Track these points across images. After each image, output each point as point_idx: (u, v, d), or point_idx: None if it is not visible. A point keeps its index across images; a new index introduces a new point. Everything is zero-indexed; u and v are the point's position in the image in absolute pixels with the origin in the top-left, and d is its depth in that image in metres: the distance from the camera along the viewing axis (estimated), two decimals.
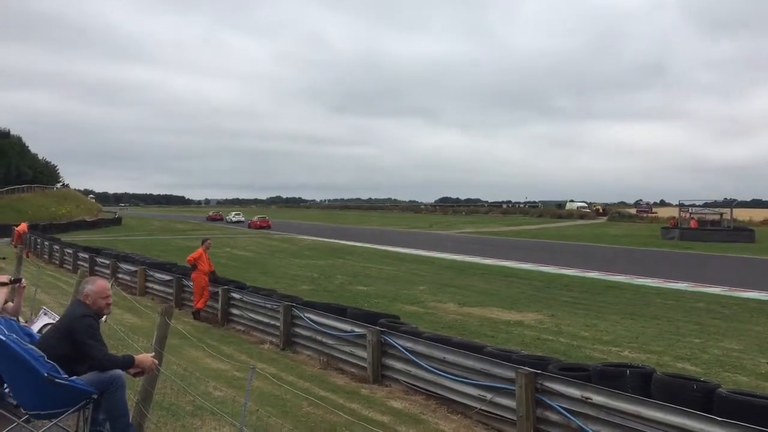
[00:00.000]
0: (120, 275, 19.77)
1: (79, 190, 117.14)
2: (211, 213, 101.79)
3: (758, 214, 72.59)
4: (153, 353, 5.05)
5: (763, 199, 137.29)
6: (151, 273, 18.09)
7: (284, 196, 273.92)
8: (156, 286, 17.71)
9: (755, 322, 14.94)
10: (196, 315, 14.38)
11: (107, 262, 21.31)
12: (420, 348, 8.46)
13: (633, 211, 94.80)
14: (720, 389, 5.82)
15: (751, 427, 4.97)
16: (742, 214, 63.97)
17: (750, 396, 5.75)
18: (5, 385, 4.76)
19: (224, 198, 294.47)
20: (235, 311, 13.62)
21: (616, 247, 43.24)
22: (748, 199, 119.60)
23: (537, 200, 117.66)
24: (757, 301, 18.32)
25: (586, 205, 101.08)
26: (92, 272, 20.66)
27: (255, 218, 72.04)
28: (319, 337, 10.57)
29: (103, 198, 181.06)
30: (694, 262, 32.41)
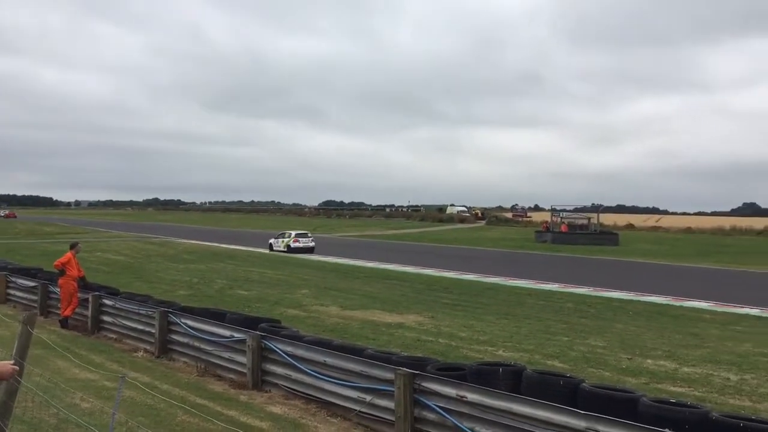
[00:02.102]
0: None
1: None
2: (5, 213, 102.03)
3: (622, 219, 78.06)
4: (12, 361, 4.73)
5: (627, 204, 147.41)
6: (14, 279, 16.92)
7: (162, 198, 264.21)
8: (19, 293, 16.58)
9: (618, 320, 15.97)
10: (64, 323, 13.60)
11: None
12: (300, 352, 8.42)
13: (509, 215, 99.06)
14: (584, 384, 6.19)
15: (610, 419, 5.30)
16: (608, 219, 68.41)
17: (611, 390, 6.16)
18: None
19: (96, 199, 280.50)
20: (106, 318, 12.99)
21: (494, 250, 44.95)
22: (614, 205, 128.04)
23: (419, 204, 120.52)
24: (620, 300, 19.62)
25: (465, 209, 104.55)
26: None
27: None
28: (197, 344, 10.27)
29: None
30: (564, 264, 34.26)
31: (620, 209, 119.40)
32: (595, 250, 43.35)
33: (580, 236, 52.10)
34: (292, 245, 40.49)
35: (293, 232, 42.96)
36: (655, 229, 76.25)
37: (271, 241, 42.75)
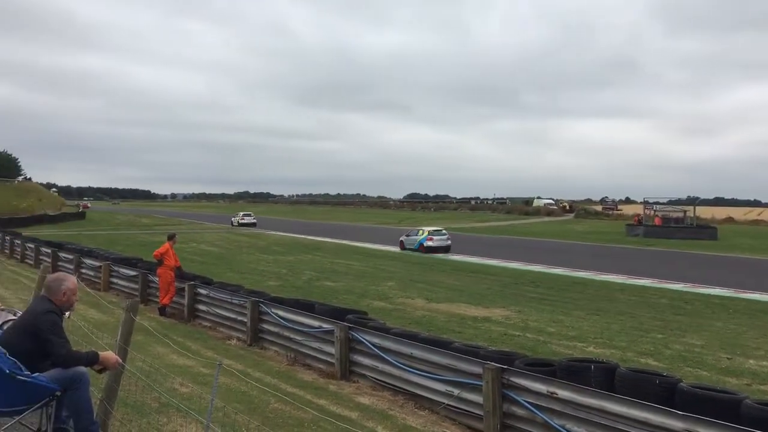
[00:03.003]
0: (84, 271, 19.43)
1: (41, 184, 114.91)
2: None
3: (720, 212, 74.36)
4: (117, 350, 4.99)
5: (726, 197, 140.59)
6: (116, 268, 17.82)
7: (252, 191, 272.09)
8: (121, 282, 17.45)
9: (716, 318, 15.28)
10: (162, 311, 14.21)
11: (70, 257, 20.93)
12: (388, 344, 8.47)
13: (599, 208, 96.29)
14: (681, 384, 5.94)
15: (711, 421, 5.08)
16: (705, 212, 65.37)
17: (710, 390, 5.88)
18: None
19: (191, 192, 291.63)
20: (201, 307, 13.49)
21: (583, 243, 43.85)
22: (711, 197, 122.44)
23: (505, 197, 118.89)
24: (719, 297, 18.74)
25: (553, 202, 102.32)
26: (54, 267, 20.28)
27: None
28: (286, 333, 10.52)
29: (66, 192, 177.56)
30: (658, 258, 33.01)
31: (718, 202, 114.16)
32: (692, 245, 41.53)
33: (675, 230, 49.98)
34: (426, 244, 35.95)
35: (426, 229, 38.47)
36: (756, 222, 72.09)
37: (402, 239, 38.68)
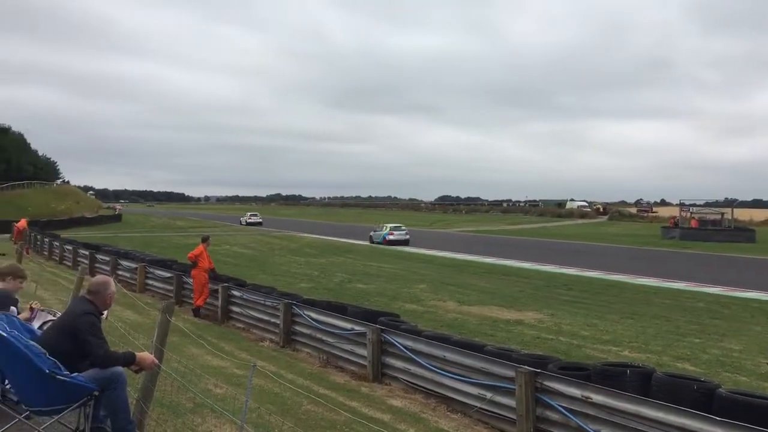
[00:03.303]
0: (120, 272, 19.76)
1: (79, 187, 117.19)
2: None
3: (759, 214, 72.60)
4: (153, 350, 5.07)
5: (764, 199, 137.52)
6: (152, 270, 18.08)
7: (284, 194, 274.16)
8: (156, 283, 17.70)
9: (755, 322, 14.95)
10: (196, 312, 14.38)
11: (107, 258, 21.30)
12: (420, 346, 8.46)
13: (633, 210, 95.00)
14: (720, 389, 5.83)
15: (750, 428, 4.97)
16: (743, 214, 64.01)
17: (750, 396, 5.75)
18: (6, 382, 4.76)
19: (224, 195, 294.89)
20: (235, 309, 13.61)
21: (617, 246, 43.26)
22: (749, 199, 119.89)
23: (537, 199, 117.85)
24: (758, 301, 18.33)
25: (586, 204, 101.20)
26: (92, 269, 20.68)
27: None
28: (318, 335, 10.57)
29: (103, 195, 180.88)
30: (694, 261, 32.41)
31: (757, 203, 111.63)
32: (729, 247, 40.68)
33: (712, 232, 49.01)
34: (388, 238, 43.83)
35: (388, 225, 46.36)
36: None
37: (371, 234, 46.36)
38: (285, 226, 65.90)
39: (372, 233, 46.21)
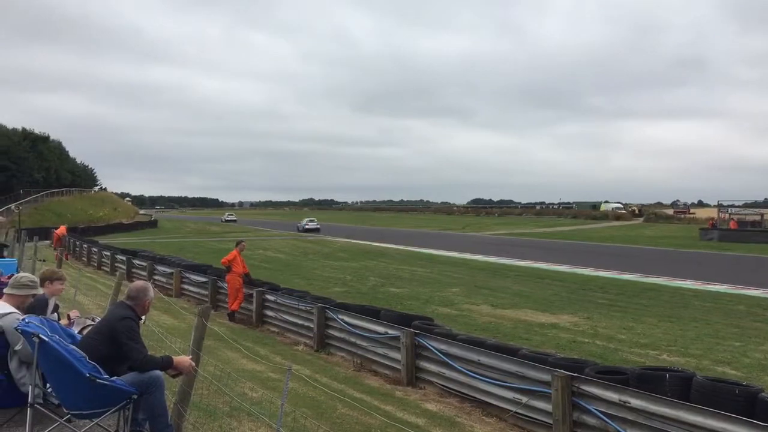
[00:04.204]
0: (156, 277, 20.06)
1: (116, 193, 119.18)
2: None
3: None
4: (191, 355, 5.12)
5: None
6: (187, 275, 18.31)
7: (317, 198, 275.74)
8: (191, 288, 17.92)
9: None
10: (231, 316, 14.52)
11: (144, 264, 21.64)
12: (454, 350, 8.43)
13: (670, 212, 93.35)
14: (763, 394, 5.70)
15: None
16: None
17: None
18: (48, 385, 4.85)
19: (258, 200, 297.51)
20: (269, 313, 13.72)
21: (653, 248, 42.57)
22: None
23: (571, 201, 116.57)
24: None
25: (621, 206, 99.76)
26: (129, 274, 21.02)
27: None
28: (352, 339, 10.59)
29: (139, 201, 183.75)
30: (734, 263, 31.74)
31: None
32: None
33: (752, 233, 47.93)
34: (306, 227, 65.54)
35: (306, 219, 72.03)
36: None
37: (297, 225, 68.43)
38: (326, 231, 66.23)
39: (298, 224, 69.12)
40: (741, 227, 50.42)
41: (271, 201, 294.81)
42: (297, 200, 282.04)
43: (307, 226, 68.63)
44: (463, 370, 8.16)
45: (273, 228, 74.80)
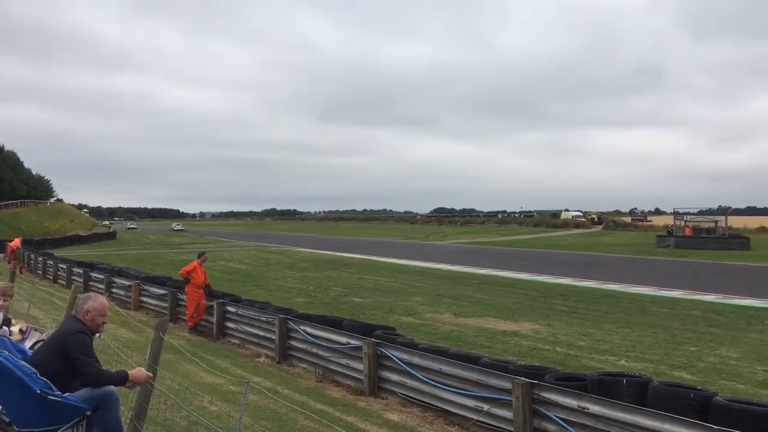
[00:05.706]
0: (114, 290, 19.67)
1: (73, 205, 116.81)
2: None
3: (753, 222, 72.85)
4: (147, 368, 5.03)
5: (758, 206, 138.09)
6: (146, 287, 18.00)
7: (279, 208, 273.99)
8: (151, 301, 17.62)
9: (752, 330, 14.94)
10: (194, 328, 14.32)
11: (101, 277, 21.20)
12: (416, 359, 8.43)
13: (628, 219, 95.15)
14: (717, 397, 5.81)
15: None
16: (737, 222, 64.16)
17: (747, 404, 5.73)
18: None
19: (219, 211, 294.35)
20: (230, 324, 13.54)
21: (612, 255, 43.32)
22: (743, 207, 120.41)
23: (532, 210, 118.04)
24: (754, 309, 18.33)
25: (581, 214, 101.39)
26: (86, 287, 20.56)
27: None
28: (314, 350, 10.51)
29: (97, 212, 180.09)
30: (690, 270, 32.47)
31: (751, 211, 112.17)
32: (724, 255, 40.75)
33: (707, 240, 49.09)
34: (175, 228, 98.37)
35: (174, 222, 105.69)
36: None
37: (173, 226, 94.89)
38: (281, 240, 65.79)
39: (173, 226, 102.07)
40: (696, 234, 51.60)
41: (233, 212, 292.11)
42: (260, 210, 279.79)
43: (175, 228, 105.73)
44: (425, 379, 8.17)
45: (234, 239, 74.10)
